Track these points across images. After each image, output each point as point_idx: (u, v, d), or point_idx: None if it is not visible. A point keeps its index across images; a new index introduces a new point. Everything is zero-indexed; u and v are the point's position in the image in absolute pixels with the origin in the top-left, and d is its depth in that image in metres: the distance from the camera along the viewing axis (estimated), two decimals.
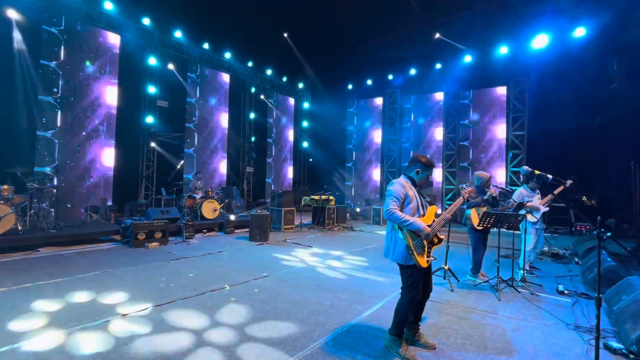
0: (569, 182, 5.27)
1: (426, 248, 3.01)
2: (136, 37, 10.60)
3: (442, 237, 3.17)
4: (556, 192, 5.34)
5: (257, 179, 15.17)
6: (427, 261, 3.02)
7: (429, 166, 3.15)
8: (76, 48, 9.20)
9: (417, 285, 3.02)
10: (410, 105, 15.04)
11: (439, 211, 3.38)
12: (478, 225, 4.98)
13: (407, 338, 3.20)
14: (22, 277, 4.86)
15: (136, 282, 4.84)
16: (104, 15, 9.72)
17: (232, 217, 9.87)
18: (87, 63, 9.43)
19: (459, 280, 5.20)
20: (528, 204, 5.45)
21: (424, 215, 3.13)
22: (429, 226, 3.03)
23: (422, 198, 3.21)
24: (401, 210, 3.02)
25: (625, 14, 9.50)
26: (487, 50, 12.11)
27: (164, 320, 3.60)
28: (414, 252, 2.94)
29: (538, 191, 5.74)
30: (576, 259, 6.75)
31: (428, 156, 3.33)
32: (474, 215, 5.15)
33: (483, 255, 5.33)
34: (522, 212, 5.17)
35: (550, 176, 3.71)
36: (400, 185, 3.08)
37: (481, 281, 5.16)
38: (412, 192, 3.10)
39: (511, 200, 5.67)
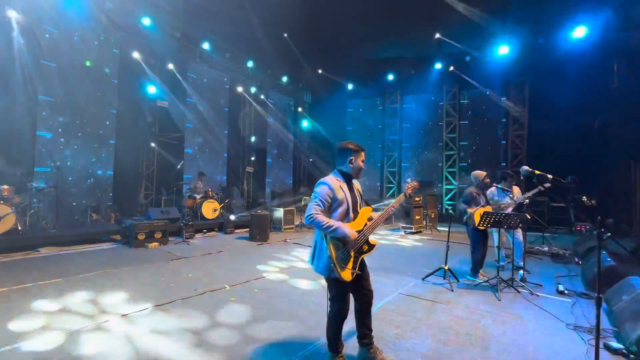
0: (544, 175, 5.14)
1: (352, 259, 2.62)
2: (136, 36, 10.59)
3: (374, 242, 2.76)
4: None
5: (257, 179, 15.15)
6: (352, 274, 2.60)
7: (359, 149, 2.81)
8: (76, 47, 9.20)
9: (342, 297, 2.66)
10: (410, 105, 15.05)
11: (375, 214, 2.96)
12: (479, 225, 4.97)
13: (362, 357, 2.85)
14: (22, 277, 4.86)
15: (136, 282, 4.84)
16: (104, 14, 9.70)
17: (232, 217, 9.87)
18: (87, 63, 9.43)
19: (459, 280, 5.20)
20: (498, 203, 5.70)
21: (353, 220, 2.72)
22: (359, 232, 2.65)
23: (358, 198, 2.83)
24: (328, 216, 2.64)
25: (625, 13, 9.49)
26: (487, 50, 12.10)
27: (164, 320, 3.60)
28: (336, 265, 2.54)
29: (510, 193, 5.74)
30: (576, 259, 6.75)
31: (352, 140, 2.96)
32: (477, 215, 5.13)
33: (483, 254, 5.33)
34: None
35: (550, 176, 3.71)
36: (328, 187, 2.66)
37: (481, 281, 5.16)
38: (343, 193, 2.69)
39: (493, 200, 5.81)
